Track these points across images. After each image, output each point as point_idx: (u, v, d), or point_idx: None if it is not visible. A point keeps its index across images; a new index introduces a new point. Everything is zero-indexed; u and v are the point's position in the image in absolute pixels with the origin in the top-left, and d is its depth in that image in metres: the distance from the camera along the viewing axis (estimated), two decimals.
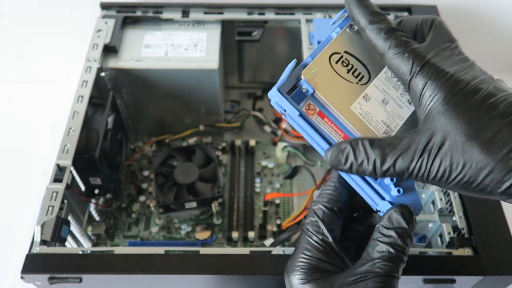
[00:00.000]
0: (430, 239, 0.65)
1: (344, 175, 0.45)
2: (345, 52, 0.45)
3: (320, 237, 0.45)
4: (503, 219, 0.60)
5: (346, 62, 0.45)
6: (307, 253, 0.45)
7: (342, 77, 0.44)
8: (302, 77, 0.44)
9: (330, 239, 0.45)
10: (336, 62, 0.45)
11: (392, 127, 0.44)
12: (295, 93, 0.44)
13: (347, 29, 0.46)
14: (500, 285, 0.58)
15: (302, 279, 0.44)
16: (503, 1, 0.95)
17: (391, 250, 0.42)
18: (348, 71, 0.45)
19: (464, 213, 0.61)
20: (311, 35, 0.79)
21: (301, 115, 0.43)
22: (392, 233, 0.42)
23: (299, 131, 0.44)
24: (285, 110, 0.44)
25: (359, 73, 0.45)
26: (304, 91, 0.44)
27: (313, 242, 0.45)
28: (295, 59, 0.45)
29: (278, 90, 0.43)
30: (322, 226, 0.45)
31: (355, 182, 0.44)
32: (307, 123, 0.43)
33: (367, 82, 0.45)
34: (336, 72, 0.44)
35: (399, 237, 0.42)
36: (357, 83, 0.45)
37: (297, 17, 0.83)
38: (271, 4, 0.84)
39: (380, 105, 0.45)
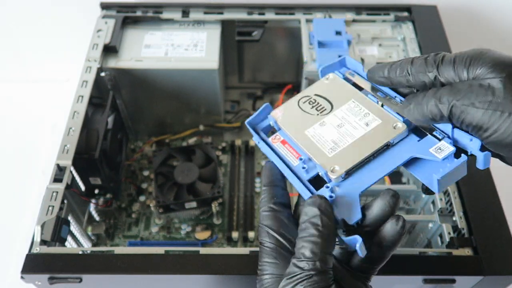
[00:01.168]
0: (430, 239, 0.65)
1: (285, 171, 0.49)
2: (315, 94, 0.53)
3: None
4: (503, 219, 0.60)
5: (313, 101, 0.52)
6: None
7: (305, 112, 0.51)
8: (271, 114, 0.53)
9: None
10: (304, 102, 0.52)
11: (340, 144, 0.47)
12: (267, 125, 0.53)
13: (323, 79, 0.54)
14: (500, 285, 0.58)
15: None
16: (503, 1, 0.95)
17: (310, 246, 0.41)
18: (313, 107, 0.52)
19: (464, 213, 0.61)
20: (311, 35, 0.79)
21: (263, 142, 0.52)
22: (308, 225, 0.42)
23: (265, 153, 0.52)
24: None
25: (322, 107, 0.51)
26: (271, 124, 0.53)
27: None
28: (267, 103, 0.54)
29: (247, 123, 0.53)
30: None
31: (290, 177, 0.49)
32: (269, 148, 0.51)
33: (328, 113, 0.51)
34: (301, 109, 0.52)
35: (314, 227, 0.41)
36: (317, 114, 0.51)
37: (297, 17, 0.83)
38: (271, 4, 0.84)
39: (334, 128, 0.49)
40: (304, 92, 0.54)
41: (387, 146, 0.46)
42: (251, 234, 0.77)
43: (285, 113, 0.52)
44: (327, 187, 0.45)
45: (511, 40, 1.02)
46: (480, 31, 1.00)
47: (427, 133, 0.45)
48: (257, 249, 0.58)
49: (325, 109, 0.51)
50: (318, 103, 0.52)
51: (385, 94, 0.50)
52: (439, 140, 0.44)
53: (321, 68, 0.54)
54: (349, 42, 0.77)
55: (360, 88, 0.52)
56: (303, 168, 0.48)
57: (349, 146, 0.47)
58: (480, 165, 0.41)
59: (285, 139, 0.52)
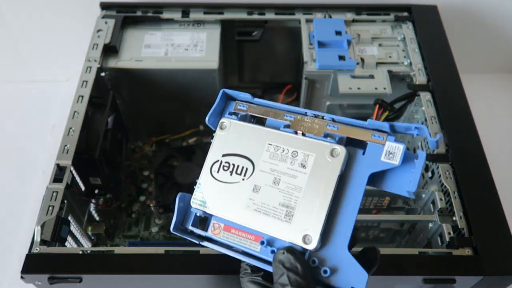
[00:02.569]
0: (430, 239, 0.65)
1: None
2: (223, 155, 0.45)
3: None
4: (503, 219, 0.60)
5: (226, 165, 0.44)
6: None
7: (227, 183, 0.44)
8: (192, 205, 0.45)
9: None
10: (218, 171, 0.45)
11: (291, 205, 0.41)
12: (196, 218, 0.45)
13: (218, 131, 0.46)
14: (500, 285, 0.58)
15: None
16: (503, 1, 0.95)
17: None
18: (231, 173, 0.44)
19: (464, 213, 0.61)
20: (311, 35, 0.79)
21: (206, 239, 0.45)
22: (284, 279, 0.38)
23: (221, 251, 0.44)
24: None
25: (242, 168, 0.44)
26: (199, 215, 0.45)
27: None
28: (180, 194, 0.45)
29: (173, 231, 0.45)
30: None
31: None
32: (217, 244, 0.44)
33: (253, 172, 0.43)
34: (220, 181, 0.44)
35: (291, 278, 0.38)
36: (243, 179, 0.43)
37: (297, 17, 0.83)
38: (271, 4, 0.84)
39: (273, 188, 0.42)
40: (209, 159, 0.45)
41: (341, 180, 0.40)
42: None
43: (206, 195, 0.44)
44: (313, 261, 0.40)
45: (511, 40, 1.02)
46: (480, 31, 1.00)
47: (366, 141, 0.41)
48: None
49: (246, 169, 0.43)
50: (233, 165, 0.44)
51: (291, 111, 0.44)
52: (383, 143, 0.40)
53: (207, 118, 0.47)
54: (349, 42, 0.77)
55: (263, 122, 0.46)
56: (271, 252, 0.41)
57: (302, 203, 0.41)
58: (433, 146, 0.39)
59: (225, 224, 0.44)
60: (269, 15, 0.84)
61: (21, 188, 0.89)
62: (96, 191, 0.78)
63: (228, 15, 0.84)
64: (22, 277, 0.55)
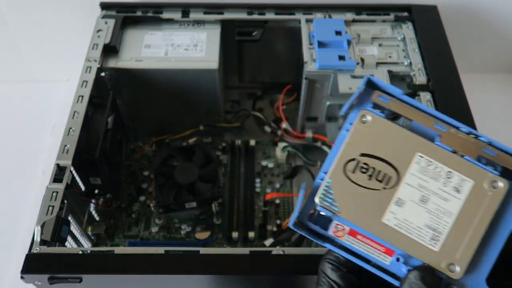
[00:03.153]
0: None
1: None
2: (361, 154, 0.39)
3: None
4: None
5: (365, 167, 0.39)
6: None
7: (365, 187, 0.39)
8: (318, 203, 0.40)
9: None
10: (353, 172, 0.39)
11: (439, 230, 0.37)
12: (318, 217, 0.41)
13: (358, 124, 0.39)
14: None
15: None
16: (503, 1, 0.95)
17: None
18: (370, 177, 0.39)
19: None
20: (311, 35, 0.79)
21: (327, 240, 0.40)
22: None
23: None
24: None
25: (384, 175, 0.38)
26: (325, 215, 0.40)
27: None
28: (304, 183, 0.40)
29: (291, 226, 0.40)
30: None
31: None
32: (339, 247, 0.39)
33: (396, 182, 0.38)
34: (356, 184, 0.39)
35: None
36: (384, 188, 0.38)
37: (297, 17, 0.83)
38: (271, 4, 0.84)
39: (419, 206, 0.38)
40: (342, 154, 0.40)
41: (496, 212, 0.37)
42: (251, 234, 0.77)
43: (337, 196, 0.39)
44: (447, 284, 0.37)
45: (511, 40, 1.02)
46: (480, 31, 1.00)
47: None
48: (257, 249, 0.58)
49: (390, 177, 0.38)
50: (374, 169, 0.39)
51: (444, 120, 0.39)
52: None
53: (344, 108, 0.41)
54: (349, 42, 0.77)
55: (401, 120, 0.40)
56: (404, 266, 0.38)
57: (452, 230, 0.37)
58: None
59: (351, 228, 0.40)
60: (269, 15, 0.84)
61: (21, 188, 0.89)
62: (96, 191, 0.78)
63: (228, 15, 0.84)
64: (22, 277, 0.55)
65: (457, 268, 0.37)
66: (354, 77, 0.74)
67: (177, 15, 0.84)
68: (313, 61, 0.76)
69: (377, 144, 0.39)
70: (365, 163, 0.39)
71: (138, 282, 0.57)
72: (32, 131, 0.98)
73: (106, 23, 0.82)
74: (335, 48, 0.76)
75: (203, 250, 0.57)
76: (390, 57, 0.78)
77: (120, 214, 0.82)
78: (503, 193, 0.36)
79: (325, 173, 0.40)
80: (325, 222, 0.41)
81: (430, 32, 0.81)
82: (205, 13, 0.84)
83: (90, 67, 0.76)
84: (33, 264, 0.55)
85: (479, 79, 1.05)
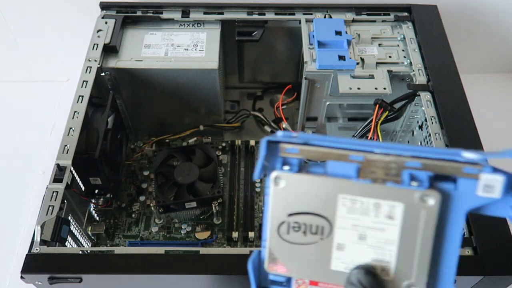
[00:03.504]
0: None
1: None
2: (289, 215, 0.38)
3: None
4: (503, 219, 0.60)
5: (296, 226, 0.38)
6: None
7: (303, 244, 0.38)
8: (268, 271, 0.40)
9: None
10: (288, 233, 0.39)
11: (387, 259, 0.37)
12: (276, 279, 0.41)
13: (273, 188, 0.38)
14: (500, 285, 0.58)
15: None
16: (503, 1, 0.95)
17: None
18: (304, 233, 0.38)
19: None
20: (311, 35, 0.79)
21: None
22: None
23: None
24: None
25: (317, 227, 0.38)
26: (276, 280, 0.41)
27: None
28: (250, 260, 0.41)
29: None
30: None
31: None
32: None
33: (331, 230, 0.38)
34: (295, 244, 0.39)
35: None
36: (321, 239, 0.38)
37: (297, 17, 0.83)
38: (271, 4, 0.84)
39: (360, 244, 0.37)
40: (271, 220, 0.39)
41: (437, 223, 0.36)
42: (251, 234, 0.77)
43: (282, 259, 0.39)
44: None
45: (511, 40, 1.02)
46: (480, 31, 1.00)
47: (456, 176, 0.35)
48: (257, 249, 0.57)
49: (323, 227, 0.38)
50: (305, 224, 0.38)
51: (358, 149, 0.37)
52: (477, 177, 0.34)
53: (256, 174, 0.38)
54: (349, 42, 0.77)
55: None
56: None
57: (400, 256, 0.37)
58: None
59: (311, 280, 0.40)
60: (269, 15, 0.84)
61: (21, 188, 0.89)
62: (96, 191, 0.78)
63: (228, 15, 0.84)
64: (22, 277, 0.55)
65: None
66: (354, 77, 0.74)
67: (177, 15, 0.84)
68: (313, 61, 0.76)
69: (299, 200, 0.38)
70: (295, 222, 0.38)
71: (138, 282, 0.57)
72: (32, 131, 0.98)
73: (106, 23, 0.82)
74: (335, 48, 0.76)
75: (203, 250, 0.57)
76: (390, 57, 0.78)
77: (120, 214, 0.82)
78: (437, 205, 0.35)
79: (265, 241, 0.40)
80: (286, 281, 0.41)
81: (430, 32, 0.81)
82: (205, 13, 0.84)
83: (90, 67, 0.76)
84: (33, 264, 0.55)
85: (479, 79, 1.05)
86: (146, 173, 0.87)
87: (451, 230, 0.36)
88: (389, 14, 0.84)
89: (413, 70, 0.76)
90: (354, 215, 0.37)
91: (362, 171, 0.37)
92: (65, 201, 0.63)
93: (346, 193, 0.36)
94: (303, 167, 0.39)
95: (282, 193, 0.38)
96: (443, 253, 0.37)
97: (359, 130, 0.74)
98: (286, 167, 0.38)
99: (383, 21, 0.84)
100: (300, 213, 0.38)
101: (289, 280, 0.41)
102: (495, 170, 0.34)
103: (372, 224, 0.37)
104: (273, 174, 0.38)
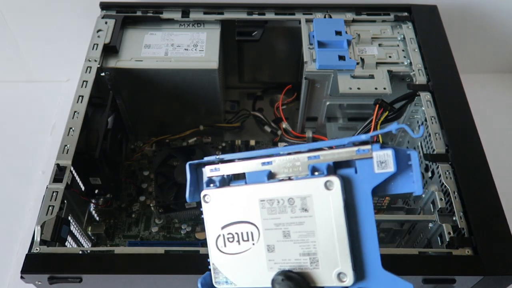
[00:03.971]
0: (430, 239, 0.65)
1: None
2: (222, 228, 0.42)
3: None
4: (503, 219, 0.60)
5: (230, 236, 0.42)
6: None
7: (239, 253, 0.42)
8: (216, 286, 0.43)
9: None
10: (225, 245, 0.42)
11: (312, 251, 0.39)
12: None
13: (204, 205, 0.43)
14: (500, 285, 0.58)
15: None
16: (503, 1, 0.95)
17: None
18: (238, 242, 0.42)
19: (464, 213, 0.61)
20: (311, 35, 0.79)
21: None
22: None
23: None
24: None
25: (247, 233, 0.41)
26: None
27: None
28: (200, 280, 0.44)
29: None
30: None
31: None
32: None
33: (259, 233, 0.41)
34: (233, 254, 0.42)
35: None
36: (253, 244, 0.41)
37: (297, 17, 0.83)
38: (271, 4, 0.84)
39: (286, 242, 0.40)
40: (209, 236, 0.43)
41: (347, 207, 0.38)
42: None
43: (226, 273, 0.43)
44: None
45: (511, 40, 1.02)
46: (480, 31, 1.00)
47: (352, 159, 0.38)
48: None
49: (252, 232, 0.41)
50: (236, 234, 0.42)
51: (265, 155, 0.41)
52: (370, 156, 0.37)
53: (187, 198, 0.44)
54: (349, 42, 0.77)
55: (239, 176, 0.43)
56: None
57: (322, 245, 0.39)
58: (418, 135, 0.37)
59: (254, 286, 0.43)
60: (269, 15, 0.84)
61: (21, 188, 0.89)
62: (96, 191, 0.78)
63: (228, 15, 0.84)
64: (22, 277, 0.55)
65: (345, 275, 0.38)
66: (354, 77, 0.74)
67: (177, 15, 0.84)
68: (313, 61, 0.76)
69: (227, 212, 0.42)
70: (229, 233, 0.42)
71: (138, 282, 0.57)
72: (32, 131, 0.98)
73: (106, 23, 0.82)
74: (335, 48, 0.76)
75: (203, 250, 0.57)
76: (390, 57, 0.78)
77: (120, 214, 0.82)
78: (339, 188, 0.38)
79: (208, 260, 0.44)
80: None
81: (430, 32, 0.81)
82: (205, 13, 0.84)
83: (90, 67, 0.76)
84: (33, 264, 0.55)
85: (479, 79, 1.05)
86: (146, 173, 0.87)
87: (362, 212, 0.38)
88: (389, 14, 0.84)
89: (413, 70, 0.76)
90: (275, 214, 0.40)
91: (273, 174, 0.41)
92: (65, 201, 0.63)
93: (263, 196, 0.40)
94: (226, 183, 0.43)
95: (212, 208, 0.42)
96: (361, 236, 0.39)
97: (359, 130, 0.74)
98: (211, 185, 0.43)
99: (383, 21, 0.84)
100: (230, 223, 0.42)
101: None
102: (383, 146, 0.37)
103: (291, 220, 0.40)
104: (202, 193, 0.43)
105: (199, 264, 0.55)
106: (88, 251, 0.58)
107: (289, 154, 0.41)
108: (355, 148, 0.38)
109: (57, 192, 0.61)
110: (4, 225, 0.84)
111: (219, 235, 0.43)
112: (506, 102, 1.04)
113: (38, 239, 0.57)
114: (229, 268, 0.43)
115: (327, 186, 0.38)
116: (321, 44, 0.76)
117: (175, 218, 0.81)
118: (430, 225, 0.64)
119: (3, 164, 0.93)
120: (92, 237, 0.77)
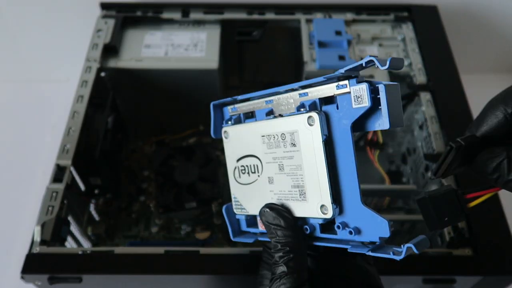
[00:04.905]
0: (431, 239, 0.65)
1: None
2: (237, 161, 0.48)
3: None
4: (503, 219, 0.60)
5: (242, 168, 0.47)
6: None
7: (249, 183, 0.47)
8: (236, 213, 0.49)
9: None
10: (240, 176, 0.48)
11: (300, 184, 0.42)
12: (247, 221, 0.49)
13: (224, 140, 0.49)
14: (500, 285, 0.58)
15: None
16: (503, 1, 0.95)
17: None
18: (248, 173, 0.47)
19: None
20: (311, 35, 0.79)
21: (261, 235, 0.48)
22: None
23: None
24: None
25: (254, 166, 0.46)
26: (247, 218, 0.49)
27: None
28: (224, 207, 0.49)
29: (234, 239, 0.49)
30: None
31: None
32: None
33: (262, 166, 0.45)
34: (244, 184, 0.47)
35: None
36: (258, 176, 0.46)
37: (297, 17, 0.83)
38: (271, 4, 0.84)
39: (281, 174, 0.44)
40: (229, 168, 0.49)
41: (326, 143, 0.40)
42: None
43: (241, 200, 0.48)
44: (338, 226, 0.41)
45: (511, 40, 1.02)
46: (480, 31, 1.00)
47: (334, 95, 0.40)
48: (257, 249, 0.58)
49: (257, 165, 0.46)
50: (247, 166, 0.47)
51: (267, 94, 0.46)
52: (348, 91, 0.38)
53: (212, 134, 0.50)
54: (349, 42, 0.77)
55: (252, 115, 0.47)
56: (305, 229, 0.43)
57: (307, 178, 0.42)
58: (385, 66, 0.37)
59: None
60: (269, 15, 0.84)
61: (21, 188, 0.89)
62: (96, 191, 0.78)
63: (228, 15, 0.84)
64: (22, 277, 0.55)
65: (326, 208, 0.40)
66: None
67: (177, 15, 0.84)
68: (313, 61, 0.76)
69: (240, 146, 0.47)
70: (242, 166, 0.47)
71: (138, 282, 0.57)
72: (32, 131, 0.98)
73: (106, 23, 0.82)
74: (335, 48, 0.76)
75: (203, 250, 0.57)
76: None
77: (120, 214, 0.82)
78: (318, 123, 0.40)
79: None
80: (254, 222, 0.49)
81: (430, 32, 0.81)
82: (205, 13, 0.84)
83: (90, 67, 0.76)
84: (33, 264, 0.55)
85: (479, 79, 1.05)
86: (146, 173, 0.87)
87: (343, 148, 0.40)
88: (389, 14, 0.84)
89: (413, 70, 0.76)
90: (272, 149, 0.44)
91: (273, 112, 0.45)
92: (65, 201, 0.63)
93: (263, 132, 0.44)
94: (240, 121, 0.48)
95: (230, 143, 0.48)
96: (342, 171, 0.40)
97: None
98: (229, 123, 0.49)
99: (383, 21, 0.84)
100: (242, 157, 0.47)
101: (255, 221, 0.49)
102: (360, 81, 0.38)
103: (284, 154, 0.43)
104: (223, 129, 0.49)
105: (199, 264, 0.55)
106: (88, 251, 0.58)
107: (286, 91, 0.44)
108: (335, 84, 0.40)
109: (57, 192, 0.61)
110: (4, 225, 0.84)
111: (235, 167, 0.48)
112: None
113: (38, 239, 0.57)
114: (243, 196, 0.48)
115: (309, 122, 0.41)
116: (321, 44, 0.76)
117: (175, 218, 0.81)
118: None
119: (3, 164, 0.93)
120: (92, 237, 0.77)
